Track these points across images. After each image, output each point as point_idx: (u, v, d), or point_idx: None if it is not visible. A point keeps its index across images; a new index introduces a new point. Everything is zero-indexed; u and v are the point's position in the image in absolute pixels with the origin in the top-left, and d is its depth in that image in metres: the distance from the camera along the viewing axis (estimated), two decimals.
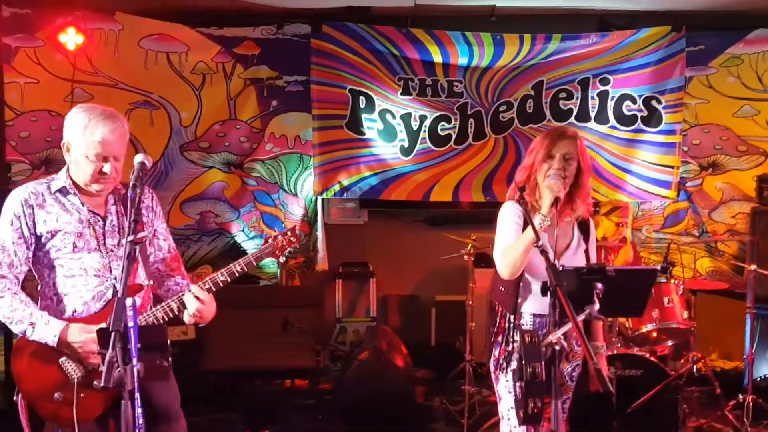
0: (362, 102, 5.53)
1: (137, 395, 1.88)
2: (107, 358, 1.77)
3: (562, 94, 5.62)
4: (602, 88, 5.58)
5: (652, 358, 3.85)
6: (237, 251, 5.44)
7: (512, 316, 2.74)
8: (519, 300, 2.73)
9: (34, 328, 2.40)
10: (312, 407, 4.48)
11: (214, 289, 2.51)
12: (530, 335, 1.89)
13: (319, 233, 5.60)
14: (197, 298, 2.45)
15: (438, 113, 5.58)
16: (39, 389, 2.40)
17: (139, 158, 2.36)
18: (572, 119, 5.61)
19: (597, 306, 2.16)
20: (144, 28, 5.03)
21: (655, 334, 4.16)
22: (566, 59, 5.56)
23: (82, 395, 2.34)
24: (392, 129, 5.59)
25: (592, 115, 5.60)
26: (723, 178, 5.62)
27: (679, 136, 5.53)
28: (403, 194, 5.66)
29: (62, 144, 2.51)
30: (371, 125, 5.57)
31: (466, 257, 4.81)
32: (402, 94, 5.54)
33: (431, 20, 5.64)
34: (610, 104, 5.57)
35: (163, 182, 5.25)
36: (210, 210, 5.42)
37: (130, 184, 2.30)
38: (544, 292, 2.18)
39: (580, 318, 2.11)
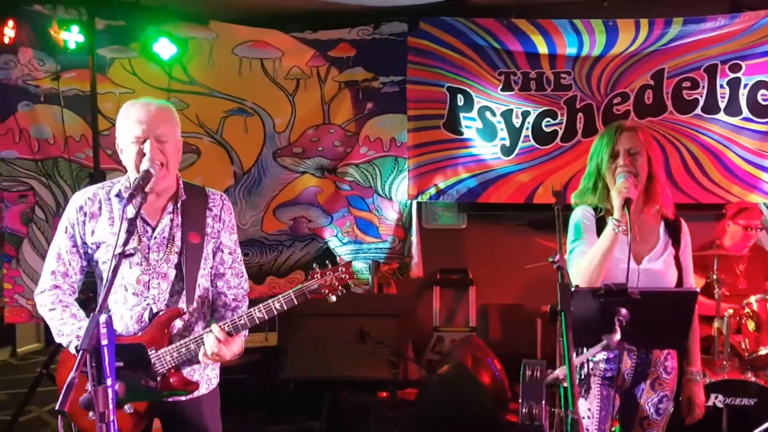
0: (460, 100, 5.24)
1: (108, 419, 1.77)
2: (68, 380, 1.67)
3: (686, 83, 5.00)
4: (732, 75, 4.90)
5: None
6: (330, 256, 5.31)
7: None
8: None
9: (79, 340, 2.26)
10: (392, 420, 4.29)
11: (233, 333, 2.27)
12: (532, 368, 1.59)
13: (414, 238, 5.38)
14: (218, 339, 2.25)
15: (542, 108, 5.17)
16: (76, 406, 2.38)
17: (144, 165, 2.21)
18: (698, 110, 4.99)
19: (617, 336, 1.80)
20: (238, 35, 5.03)
21: None
22: (690, 45, 4.95)
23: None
24: (492, 127, 5.25)
25: (722, 105, 4.95)
26: None
27: None
28: (504, 196, 5.30)
29: (116, 146, 2.36)
30: (470, 124, 5.27)
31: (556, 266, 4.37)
32: (503, 89, 5.19)
33: (537, 9, 5.27)
34: (743, 93, 4.88)
35: (256, 189, 5.22)
36: (303, 215, 5.35)
37: (127, 193, 2.15)
38: (552, 318, 1.86)
39: (591, 352, 1.76)
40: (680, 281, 2.50)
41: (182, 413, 2.39)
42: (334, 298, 2.30)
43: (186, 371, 2.38)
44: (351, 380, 4.16)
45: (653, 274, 2.42)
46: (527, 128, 5.21)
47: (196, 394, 2.42)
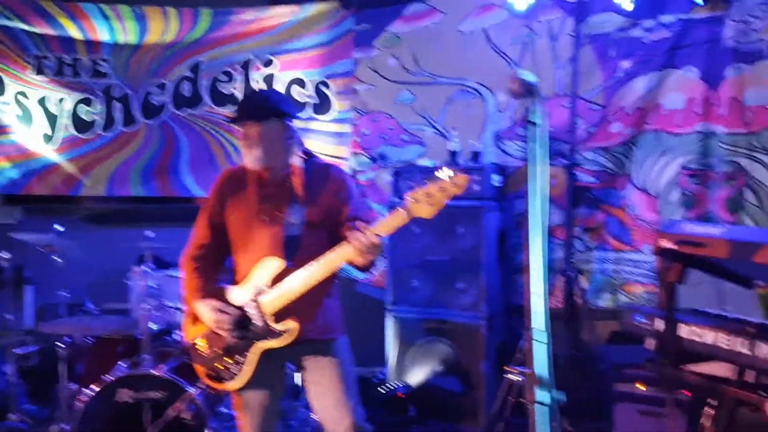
0: None
1: None
2: None
3: (223, 77, 4.99)
4: (267, 71, 4.95)
5: (170, 375, 3.19)
6: None
7: None
8: None
9: None
10: None
11: None
12: None
13: None
14: None
15: (80, 96, 4.92)
16: None
17: None
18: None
19: None
20: None
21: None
22: (226, 38, 4.97)
23: None
24: (29, 113, 4.91)
25: None
26: None
27: (348, 125, 4.93)
28: (48, 188, 4.99)
29: None
30: (6, 109, 4.89)
31: None
32: (37, 73, 4.87)
33: None
34: (279, 89, 4.93)
35: None
36: None
37: None
38: None
39: None
40: None
41: None
42: None
43: None
44: None
45: None
46: (66, 116, 4.94)
47: None
